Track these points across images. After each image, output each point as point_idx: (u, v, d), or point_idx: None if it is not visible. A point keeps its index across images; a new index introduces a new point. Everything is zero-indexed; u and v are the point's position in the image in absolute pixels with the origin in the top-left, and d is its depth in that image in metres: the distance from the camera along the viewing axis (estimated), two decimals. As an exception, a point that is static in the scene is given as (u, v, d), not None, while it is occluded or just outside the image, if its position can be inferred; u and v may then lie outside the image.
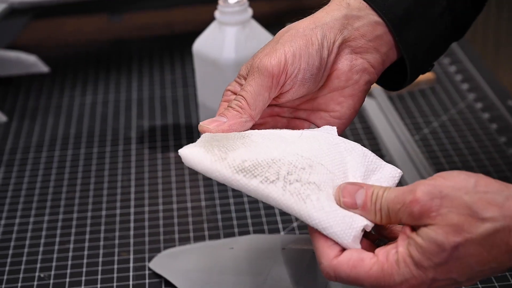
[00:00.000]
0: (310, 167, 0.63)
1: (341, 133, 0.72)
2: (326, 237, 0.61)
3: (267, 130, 0.68)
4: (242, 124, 0.68)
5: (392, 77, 0.77)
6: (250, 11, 0.95)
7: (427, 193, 0.57)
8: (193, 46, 0.94)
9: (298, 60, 0.68)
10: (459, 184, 0.57)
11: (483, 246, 0.56)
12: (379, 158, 0.67)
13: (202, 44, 0.93)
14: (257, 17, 0.97)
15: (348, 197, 0.62)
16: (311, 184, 0.62)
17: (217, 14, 0.94)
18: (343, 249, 0.61)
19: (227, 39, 0.91)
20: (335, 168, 0.64)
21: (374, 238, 0.65)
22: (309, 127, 0.73)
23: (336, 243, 0.61)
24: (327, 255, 0.60)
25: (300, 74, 0.69)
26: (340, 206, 0.62)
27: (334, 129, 0.70)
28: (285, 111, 0.74)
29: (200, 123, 0.68)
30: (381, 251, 0.60)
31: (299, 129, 0.70)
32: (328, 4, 0.73)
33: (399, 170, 0.67)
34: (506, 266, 0.58)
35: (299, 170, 0.62)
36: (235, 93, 0.71)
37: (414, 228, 0.59)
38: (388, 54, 0.73)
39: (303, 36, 0.69)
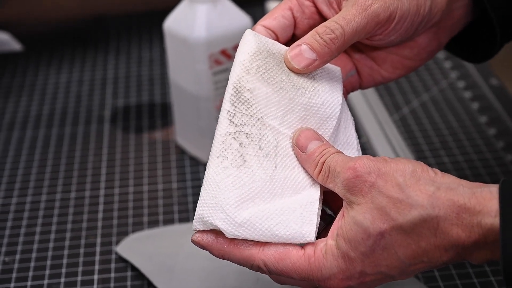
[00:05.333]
0: (266, 152, 0.61)
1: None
2: None
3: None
4: (327, 62, 0.63)
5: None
6: (222, -12, 0.92)
7: (366, 166, 0.57)
8: (164, 24, 0.92)
9: (403, 22, 0.65)
10: (397, 167, 0.56)
11: (410, 236, 0.55)
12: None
13: (173, 22, 0.91)
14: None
15: (303, 139, 0.61)
16: (240, 157, 0.60)
17: (188, -10, 0.91)
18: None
19: (198, 17, 0.88)
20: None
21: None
22: (349, 72, 0.70)
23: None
24: (256, 246, 0.60)
25: (392, 35, 0.65)
26: (292, 142, 0.61)
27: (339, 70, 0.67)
28: None
29: (288, 53, 0.62)
30: (309, 244, 0.59)
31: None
32: None
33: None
34: (438, 261, 0.56)
35: (265, 143, 0.61)
36: (313, 1, 0.66)
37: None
38: (454, 31, 0.70)
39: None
